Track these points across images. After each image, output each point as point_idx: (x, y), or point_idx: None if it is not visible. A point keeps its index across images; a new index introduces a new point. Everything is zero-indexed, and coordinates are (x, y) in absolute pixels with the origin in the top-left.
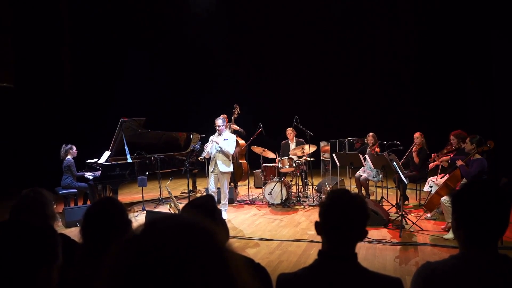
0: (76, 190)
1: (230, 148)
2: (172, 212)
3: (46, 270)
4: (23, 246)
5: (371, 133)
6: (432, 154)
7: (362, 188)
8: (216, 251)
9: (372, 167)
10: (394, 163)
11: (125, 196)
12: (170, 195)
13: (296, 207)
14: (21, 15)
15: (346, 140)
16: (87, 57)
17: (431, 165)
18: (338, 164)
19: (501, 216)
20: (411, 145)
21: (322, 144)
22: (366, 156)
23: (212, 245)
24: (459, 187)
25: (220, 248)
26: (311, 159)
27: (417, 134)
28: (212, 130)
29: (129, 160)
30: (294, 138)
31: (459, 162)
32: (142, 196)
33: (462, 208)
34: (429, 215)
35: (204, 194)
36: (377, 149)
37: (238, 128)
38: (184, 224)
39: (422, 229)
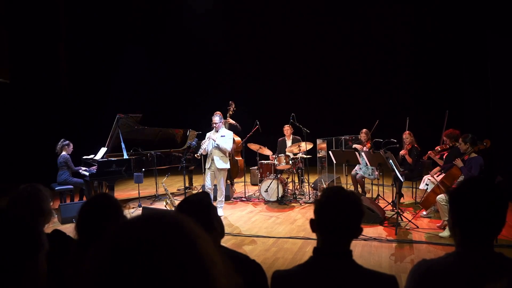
0: (72, 186)
1: (227, 145)
2: (168, 208)
3: (30, 263)
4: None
5: (364, 130)
6: (429, 152)
7: (358, 186)
8: (185, 240)
9: (369, 165)
10: (390, 161)
11: (121, 192)
12: (166, 191)
13: (292, 204)
14: (16, 10)
15: (343, 137)
16: (83, 53)
17: (432, 173)
18: (334, 162)
19: (497, 215)
20: (403, 145)
21: (318, 141)
22: (362, 153)
23: (181, 234)
24: (457, 185)
25: (190, 236)
26: (308, 156)
27: (405, 134)
28: (208, 127)
29: (125, 156)
30: (291, 135)
31: (459, 163)
32: (138, 193)
33: (459, 206)
34: (424, 213)
35: (200, 190)
36: (368, 145)
37: (233, 122)
38: (150, 218)
39: (417, 227)
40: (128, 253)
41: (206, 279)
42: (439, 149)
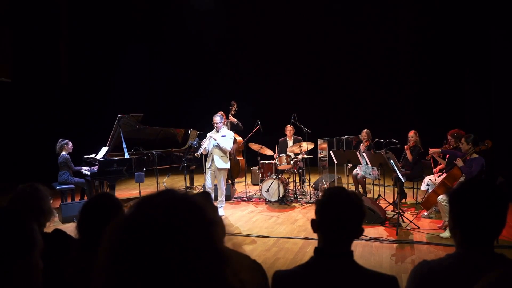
0: (73, 186)
1: (228, 144)
2: None
3: (23, 261)
4: None
5: (365, 130)
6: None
7: (359, 186)
8: (201, 223)
9: (369, 165)
10: (392, 161)
11: (123, 192)
12: None
13: (293, 204)
14: (18, 8)
15: (344, 138)
16: (85, 52)
17: (430, 151)
18: (336, 162)
19: (498, 216)
20: (407, 143)
21: (319, 141)
22: (364, 153)
23: (197, 218)
24: (457, 186)
25: (206, 220)
26: (309, 156)
27: (411, 133)
28: (210, 126)
29: (126, 156)
30: (292, 135)
31: (459, 163)
32: (139, 192)
33: (459, 207)
34: (425, 213)
35: (201, 190)
36: (366, 143)
37: (235, 120)
38: (170, 199)
39: (418, 227)
40: (139, 233)
41: (220, 261)
42: (443, 149)
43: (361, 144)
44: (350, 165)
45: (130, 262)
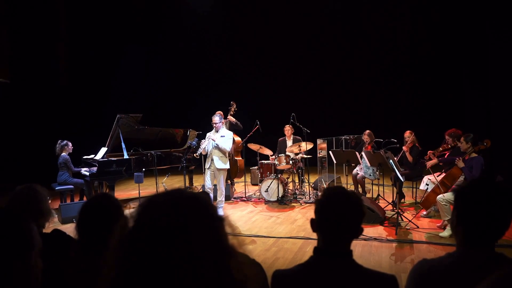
0: (72, 186)
1: (227, 145)
2: None
3: (20, 262)
4: None
5: (367, 131)
6: (428, 152)
7: (359, 186)
8: (209, 220)
9: (369, 165)
10: (391, 160)
11: (122, 192)
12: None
13: (293, 204)
14: (16, 9)
15: (343, 137)
16: (83, 52)
17: (428, 164)
18: (335, 162)
19: (503, 218)
20: (404, 144)
21: (318, 141)
22: (363, 154)
23: (206, 215)
24: (464, 184)
25: (214, 217)
26: (308, 156)
27: (407, 133)
28: (209, 127)
29: (125, 156)
30: (291, 135)
31: (460, 163)
32: (139, 193)
33: (466, 206)
34: (424, 212)
35: (201, 190)
36: (369, 147)
37: (234, 120)
38: (179, 197)
39: (417, 227)
40: (147, 230)
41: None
42: (441, 149)
43: (364, 147)
44: (353, 165)
45: (140, 258)
